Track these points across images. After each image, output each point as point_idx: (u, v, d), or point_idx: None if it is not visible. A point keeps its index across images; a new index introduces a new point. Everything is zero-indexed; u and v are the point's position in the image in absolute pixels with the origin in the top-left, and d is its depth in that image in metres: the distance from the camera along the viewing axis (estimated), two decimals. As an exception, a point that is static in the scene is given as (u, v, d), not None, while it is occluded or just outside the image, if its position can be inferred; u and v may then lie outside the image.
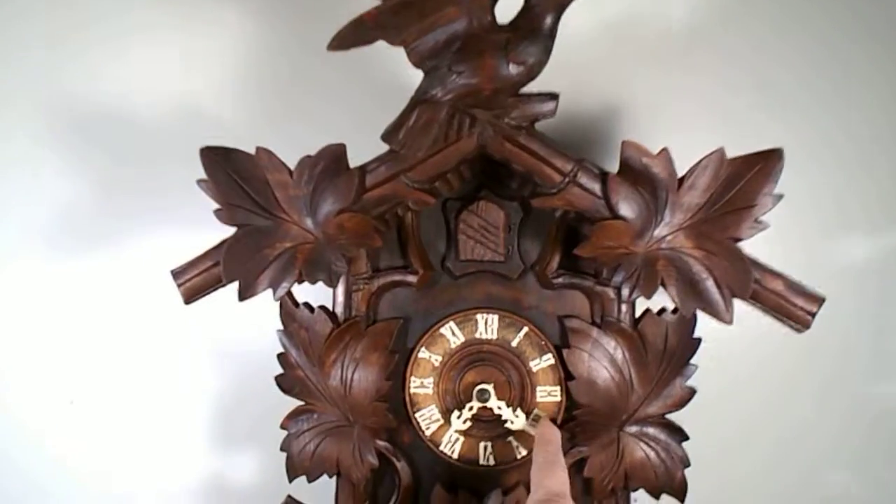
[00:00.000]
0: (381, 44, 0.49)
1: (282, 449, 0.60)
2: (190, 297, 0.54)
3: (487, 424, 0.60)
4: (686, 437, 0.58)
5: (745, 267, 0.49)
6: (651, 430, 0.58)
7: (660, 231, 0.50)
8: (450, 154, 0.50)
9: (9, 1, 0.74)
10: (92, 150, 0.74)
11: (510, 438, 0.60)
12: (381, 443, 0.60)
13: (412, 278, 0.60)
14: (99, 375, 0.76)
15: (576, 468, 0.60)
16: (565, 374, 0.59)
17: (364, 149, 0.52)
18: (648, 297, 0.51)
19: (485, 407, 0.59)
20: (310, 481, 0.60)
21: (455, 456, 0.61)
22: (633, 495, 0.61)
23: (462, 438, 0.61)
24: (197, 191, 0.51)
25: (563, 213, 0.54)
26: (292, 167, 0.51)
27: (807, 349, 0.72)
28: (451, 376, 0.61)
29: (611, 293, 0.58)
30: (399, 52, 0.49)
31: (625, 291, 0.51)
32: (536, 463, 0.52)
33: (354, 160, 0.52)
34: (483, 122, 0.49)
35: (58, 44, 0.74)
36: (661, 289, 0.51)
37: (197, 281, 0.53)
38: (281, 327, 0.59)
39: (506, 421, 0.58)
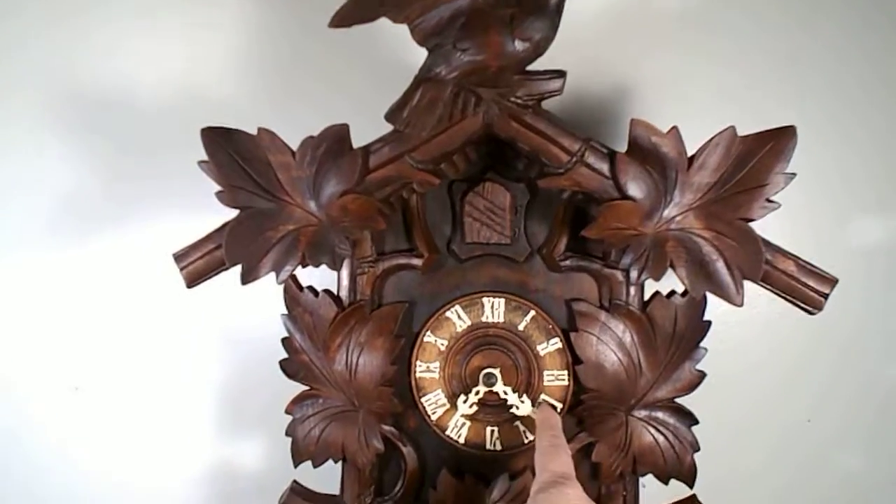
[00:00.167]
0: (383, 22, 0.47)
1: (287, 434, 0.59)
2: (192, 281, 0.53)
3: (494, 409, 0.59)
4: (696, 422, 0.57)
5: (757, 248, 0.48)
6: (660, 415, 0.57)
7: (669, 212, 0.49)
8: (455, 133, 0.50)
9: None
10: (94, 135, 0.73)
11: (517, 423, 0.60)
12: (386, 428, 0.59)
13: (417, 261, 0.59)
14: (104, 362, 0.76)
15: (583, 453, 0.59)
16: (573, 358, 0.58)
17: (367, 130, 0.51)
18: (657, 279, 0.50)
19: (491, 391, 0.58)
20: (315, 466, 0.59)
21: (461, 441, 0.60)
22: (642, 480, 0.60)
23: (468, 423, 0.60)
24: (200, 175, 0.51)
25: (570, 194, 0.53)
26: (295, 149, 0.50)
27: (818, 331, 0.71)
28: (458, 360, 0.60)
29: (619, 276, 0.57)
30: (403, 31, 0.48)
31: (633, 273, 0.50)
32: (540, 447, 0.51)
33: (358, 142, 0.51)
34: (488, 101, 0.49)
35: (60, 30, 0.73)
36: (670, 271, 0.50)
37: (199, 264, 0.53)
38: (285, 312, 0.58)
39: (511, 406, 0.58)
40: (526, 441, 0.60)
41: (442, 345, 0.60)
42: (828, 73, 0.70)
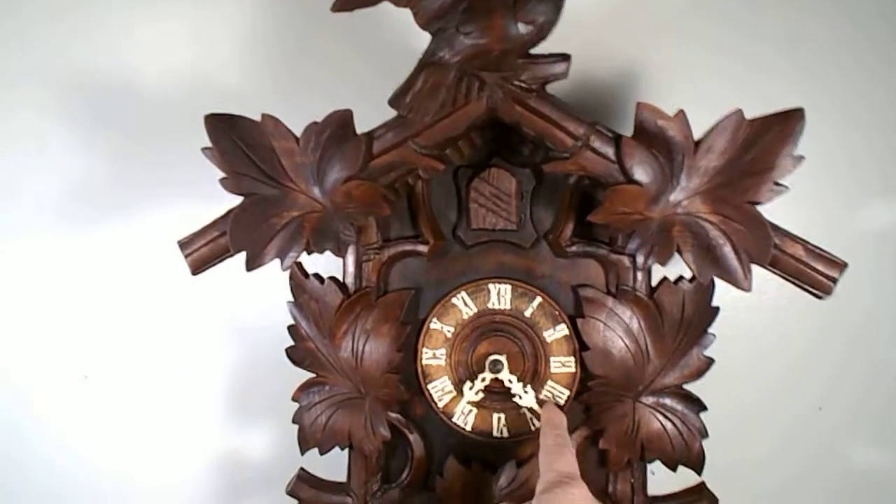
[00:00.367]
0: (387, 6, 0.47)
1: (294, 421, 0.59)
2: (197, 268, 0.53)
3: (500, 396, 0.59)
4: (704, 408, 0.57)
5: (765, 232, 0.47)
6: (668, 401, 0.57)
7: (676, 196, 0.48)
8: (458, 118, 0.49)
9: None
10: (100, 124, 0.74)
11: (524, 410, 0.59)
12: (393, 415, 0.59)
13: (423, 248, 0.59)
14: (113, 351, 0.76)
15: (591, 440, 0.59)
16: (580, 345, 0.58)
17: (372, 116, 0.51)
18: (664, 263, 0.49)
19: (497, 378, 0.58)
20: (322, 453, 0.59)
21: (468, 428, 0.60)
22: (651, 468, 0.60)
23: (475, 410, 0.60)
24: (206, 162, 0.51)
25: (576, 179, 0.52)
26: (299, 135, 0.50)
27: (828, 317, 0.71)
28: (464, 347, 0.60)
29: (626, 261, 0.57)
30: (407, 16, 0.48)
31: (640, 258, 0.50)
32: (545, 446, 0.51)
33: (363, 128, 0.51)
34: (492, 85, 0.48)
35: (65, 19, 0.73)
36: (678, 257, 0.49)
37: (204, 251, 0.53)
38: (291, 299, 0.58)
39: (515, 395, 0.58)
40: (533, 428, 0.60)
41: (448, 332, 0.60)
42: (837, 58, 0.69)
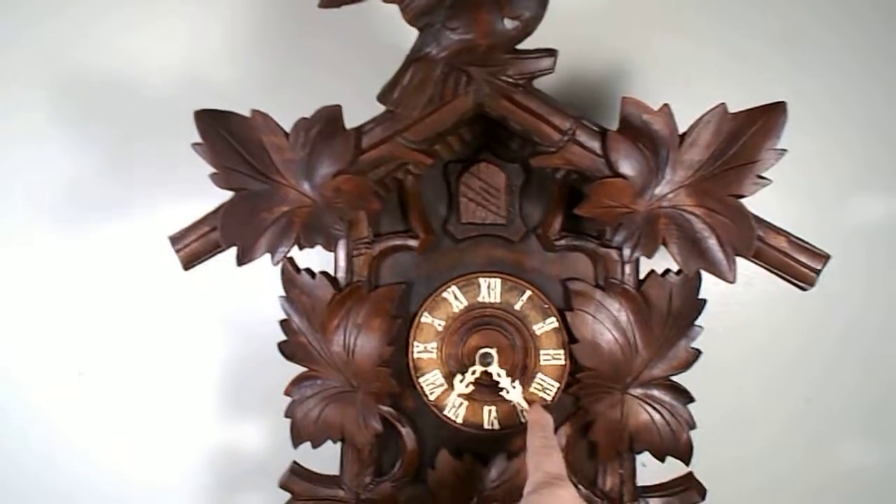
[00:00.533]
0: (375, 2, 0.48)
1: (286, 415, 0.60)
2: (189, 263, 0.54)
3: (491, 389, 0.59)
4: (691, 399, 0.58)
5: (749, 224, 0.48)
6: (656, 393, 0.58)
7: (661, 189, 0.49)
8: (446, 113, 0.50)
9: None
10: (95, 120, 0.74)
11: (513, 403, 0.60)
12: (384, 408, 0.60)
13: (414, 242, 0.59)
14: (108, 347, 0.76)
15: (581, 432, 0.60)
16: (569, 338, 0.59)
17: (363, 113, 0.52)
18: (649, 256, 0.50)
19: (487, 372, 0.58)
20: (314, 447, 0.60)
21: (459, 420, 0.61)
22: (642, 460, 0.60)
23: (466, 403, 0.61)
24: (200, 159, 0.51)
25: (564, 173, 0.53)
26: (289, 130, 0.51)
27: (819, 312, 0.71)
28: (455, 341, 0.60)
29: (614, 255, 0.57)
30: (396, 12, 0.48)
31: (626, 251, 0.50)
32: (532, 447, 0.52)
33: (354, 124, 0.51)
34: (479, 80, 0.49)
35: (60, 17, 0.74)
36: (665, 250, 0.50)
37: (195, 246, 0.53)
38: (283, 294, 0.59)
39: (502, 389, 0.58)
40: (523, 420, 0.60)
41: (439, 325, 0.61)
42: (828, 52, 0.69)
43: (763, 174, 0.48)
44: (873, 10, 0.69)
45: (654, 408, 0.58)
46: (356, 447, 0.60)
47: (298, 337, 0.59)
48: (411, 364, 0.61)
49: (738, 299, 0.72)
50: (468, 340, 0.60)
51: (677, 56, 0.69)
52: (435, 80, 0.49)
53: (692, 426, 0.58)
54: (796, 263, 0.49)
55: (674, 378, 0.58)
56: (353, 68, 0.69)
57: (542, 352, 0.60)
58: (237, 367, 0.76)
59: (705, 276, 0.53)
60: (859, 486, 0.74)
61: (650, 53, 0.70)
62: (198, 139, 0.51)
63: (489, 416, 0.61)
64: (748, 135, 0.47)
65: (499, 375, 0.58)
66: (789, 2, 0.69)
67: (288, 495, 0.62)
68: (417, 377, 0.61)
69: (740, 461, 0.74)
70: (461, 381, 0.59)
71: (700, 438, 0.58)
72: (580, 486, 0.60)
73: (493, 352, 0.59)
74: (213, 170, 0.51)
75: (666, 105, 0.48)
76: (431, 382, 0.61)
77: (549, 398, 0.60)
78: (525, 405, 0.58)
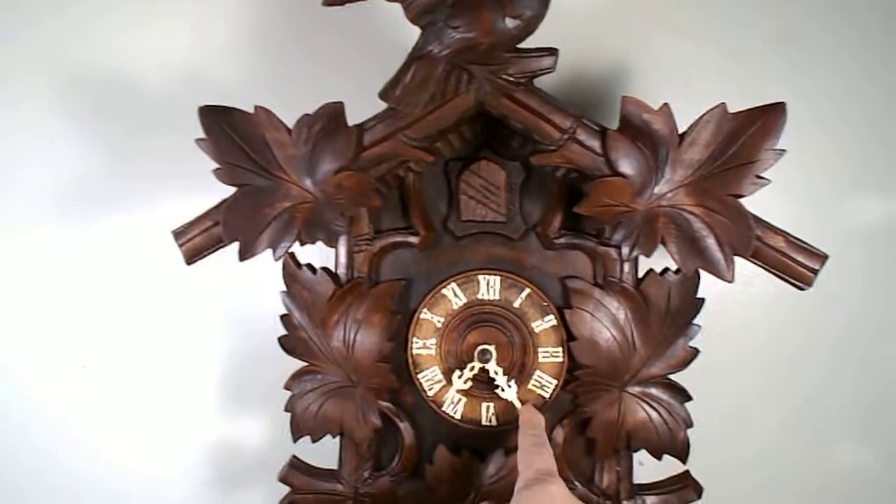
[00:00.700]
0: (378, 1, 0.48)
1: (286, 409, 0.60)
2: (191, 258, 0.54)
3: (489, 385, 0.60)
4: (689, 398, 0.58)
5: (747, 223, 0.48)
6: (653, 391, 0.58)
7: (660, 188, 0.49)
8: (447, 111, 0.50)
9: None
10: (98, 116, 0.74)
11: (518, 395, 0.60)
12: (383, 403, 0.60)
13: (414, 239, 0.60)
14: (111, 341, 0.76)
15: (578, 429, 0.60)
16: (567, 335, 0.59)
17: (366, 110, 0.52)
18: (648, 255, 0.50)
19: (485, 368, 0.59)
20: (314, 441, 0.60)
21: (457, 416, 0.61)
22: (639, 458, 0.61)
23: (464, 399, 0.61)
24: (203, 154, 0.52)
25: (564, 172, 0.53)
26: (291, 127, 0.51)
27: (818, 313, 0.72)
28: (454, 337, 0.61)
29: (613, 253, 0.58)
30: (399, 10, 0.49)
31: (625, 249, 0.51)
32: (523, 446, 0.52)
33: (353, 121, 0.51)
34: (480, 78, 0.49)
35: (64, 13, 0.74)
36: (664, 248, 0.50)
37: (198, 241, 0.54)
38: (284, 289, 0.59)
39: (498, 387, 0.58)
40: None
41: (438, 322, 0.61)
42: (827, 53, 0.70)
43: (762, 174, 0.48)
44: (870, 12, 0.69)
45: (652, 406, 0.58)
46: (355, 442, 0.60)
47: (299, 332, 0.59)
48: (410, 360, 0.61)
49: (737, 299, 0.72)
50: (467, 337, 0.61)
51: (677, 56, 0.70)
52: (437, 78, 0.49)
53: (689, 425, 0.58)
54: (794, 263, 0.49)
55: (671, 377, 0.58)
56: (356, 66, 0.69)
57: (540, 349, 0.60)
58: (238, 361, 0.76)
59: (704, 275, 0.53)
60: (857, 485, 0.74)
61: (651, 53, 0.70)
62: (201, 135, 0.51)
63: (487, 413, 0.61)
64: (747, 135, 0.48)
65: (495, 373, 0.58)
66: (786, 3, 0.69)
67: (287, 489, 0.62)
68: (416, 373, 0.61)
69: (738, 460, 0.74)
70: (459, 378, 0.59)
71: (698, 437, 0.58)
72: (577, 483, 0.60)
73: (492, 348, 0.59)
74: (216, 165, 0.52)
75: (666, 104, 0.48)
76: (430, 378, 0.61)
77: (547, 395, 0.60)
78: (518, 404, 0.58)
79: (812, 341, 0.73)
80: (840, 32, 0.70)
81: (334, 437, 0.61)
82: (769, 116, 0.48)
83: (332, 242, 0.53)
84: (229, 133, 0.51)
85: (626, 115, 0.48)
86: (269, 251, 0.52)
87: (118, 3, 0.74)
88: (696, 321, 0.57)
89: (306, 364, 0.60)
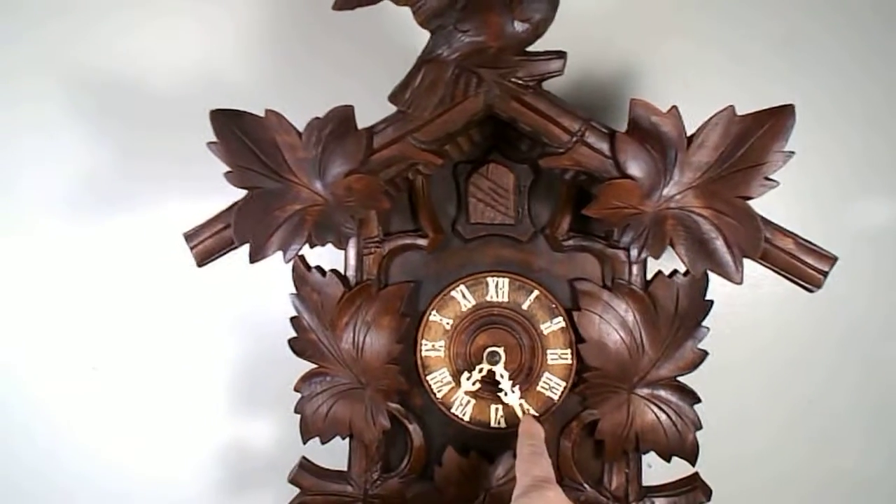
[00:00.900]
0: (388, 4, 0.49)
1: (296, 411, 0.60)
2: (202, 260, 0.55)
3: (497, 387, 0.60)
4: (698, 400, 0.58)
5: (756, 225, 0.48)
6: (662, 393, 0.58)
7: (669, 190, 0.49)
8: (456, 114, 0.50)
9: (26, -29, 0.74)
10: (109, 116, 0.75)
11: (522, 401, 0.60)
12: (392, 405, 0.60)
13: (423, 242, 0.60)
14: (121, 342, 0.77)
15: (587, 431, 0.60)
16: (576, 337, 0.59)
17: (372, 113, 0.52)
18: (657, 257, 0.50)
19: (491, 371, 0.59)
20: (323, 443, 0.61)
21: (466, 418, 0.61)
22: (648, 461, 0.61)
23: (473, 401, 0.61)
24: (213, 157, 0.52)
25: (573, 174, 0.54)
26: (301, 130, 0.51)
27: (823, 314, 0.71)
28: (462, 339, 0.61)
29: (622, 255, 0.58)
30: (406, 15, 0.49)
31: (633, 252, 0.51)
32: (521, 455, 0.53)
33: (363, 124, 0.52)
34: (489, 82, 0.49)
35: (75, 12, 0.74)
36: (673, 251, 0.50)
37: (209, 243, 0.54)
38: (294, 291, 0.60)
39: (501, 390, 0.59)
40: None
41: (447, 324, 0.61)
42: (834, 55, 0.70)
43: (770, 176, 0.48)
44: (875, 15, 0.69)
45: (661, 408, 0.58)
46: (364, 443, 0.61)
47: (308, 334, 0.59)
48: (419, 362, 0.62)
49: (745, 301, 0.72)
50: (476, 339, 0.61)
51: (686, 58, 0.70)
52: (446, 81, 0.49)
53: (698, 427, 0.58)
54: (803, 265, 0.49)
55: (680, 378, 0.58)
56: (365, 69, 0.70)
57: (549, 351, 0.60)
58: (248, 363, 0.76)
59: (712, 277, 0.53)
60: (861, 485, 0.74)
61: (659, 56, 0.70)
62: (210, 136, 0.52)
63: (496, 415, 0.61)
64: (756, 137, 0.48)
65: (501, 376, 0.58)
66: (793, 6, 0.70)
67: (297, 490, 0.63)
68: (425, 375, 0.61)
69: (743, 460, 0.74)
70: (468, 380, 0.59)
71: (704, 437, 0.58)
72: (586, 485, 0.60)
73: (501, 350, 0.59)
74: (226, 168, 0.52)
75: (674, 107, 0.48)
76: (439, 380, 0.61)
77: (555, 397, 0.61)
78: (520, 411, 0.59)
79: (818, 342, 0.73)
80: (844, 33, 0.70)
81: (343, 438, 0.61)
82: (778, 118, 0.48)
83: (341, 245, 0.53)
84: (240, 136, 0.51)
85: (634, 117, 0.49)
86: (280, 253, 0.53)
87: (129, 3, 0.74)
88: (704, 323, 0.57)
89: (316, 366, 0.60)
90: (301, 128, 0.51)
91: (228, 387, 0.77)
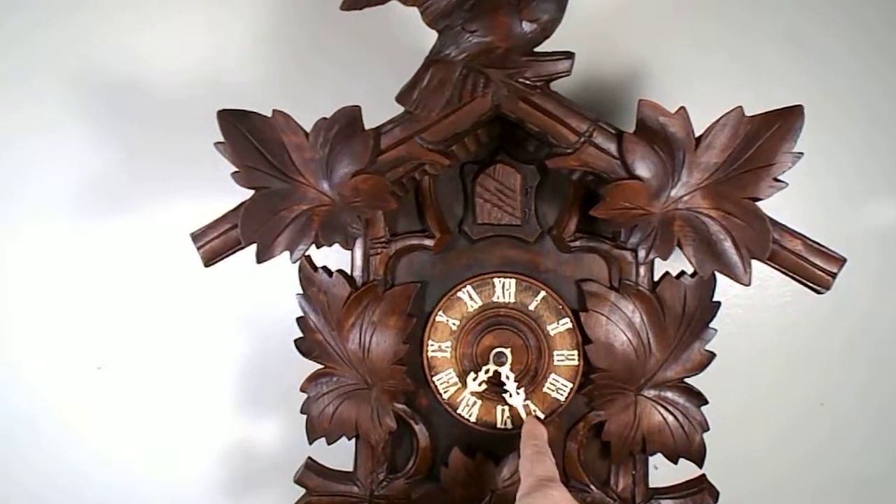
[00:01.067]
0: (396, 5, 0.48)
1: (302, 411, 0.60)
2: (209, 260, 0.55)
3: (503, 388, 0.60)
4: (705, 402, 0.58)
5: (765, 226, 0.48)
6: (669, 394, 0.58)
7: (677, 191, 0.49)
8: (464, 114, 0.50)
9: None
10: (117, 117, 0.75)
11: (527, 402, 0.60)
12: (399, 406, 0.60)
13: (430, 242, 0.60)
14: (127, 341, 0.77)
15: (593, 432, 0.60)
16: (583, 338, 0.59)
17: (379, 114, 0.52)
18: (665, 258, 0.50)
19: (499, 372, 0.59)
20: (329, 443, 0.61)
21: (472, 419, 0.61)
22: (654, 462, 0.61)
23: (479, 402, 0.61)
24: (220, 157, 0.52)
25: (580, 175, 0.53)
26: (309, 130, 0.51)
27: (829, 314, 0.71)
28: (469, 340, 0.61)
29: (629, 256, 0.58)
30: (414, 15, 0.49)
31: (641, 253, 0.50)
32: (525, 455, 0.53)
33: (370, 125, 0.52)
34: (497, 82, 0.49)
35: (82, 12, 0.74)
36: (680, 252, 0.50)
37: (216, 243, 0.54)
38: (300, 291, 0.59)
39: (506, 391, 0.58)
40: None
41: (454, 324, 0.61)
42: (840, 56, 0.70)
43: (779, 177, 0.48)
44: (880, 16, 0.69)
45: (668, 410, 0.58)
46: (370, 444, 0.61)
47: (315, 334, 0.59)
48: (426, 362, 0.61)
49: (752, 302, 0.72)
50: (482, 340, 0.61)
51: (693, 59, 0.70)
52: (454, 81, 0.49)
53: (705, 428, 0.58)
54: (812, 266, 0.49)
55: (687, 380, 0.58)
56: (373, 69, 0.70)
57: (555, 352, 0.60)
58: (254, 363, 0.76)
59: (719, 278, 0.53)
60: (866, 485, 0.74)
61: (667, 56, 0.70)
62: (217, 137, 0.52)
63: (502, 416, 0.61)
64: (764, 138, 0.48)
65: (507, 378, 0.58)
66: (798, 8, 0.69)
67: (303, 490, 0.63)
68: (431, 375, 0.61)
69: (748, 460, 0.74)
70: (474, 380, 0.59)
71: (709, 438, 0.58)
72: (592, 487, 0.60)
73: (507, 351, 0.59)
74: (233, 168, 0.52)
75: (682, 108, 0.48)
76: (445, 381, 0.61)
77: (562, 398, 0.60)
78: (523, 412, 0.58)
79: (823, 343, 0.73)
80: (849, 34, 0.69)
81: (350, 439, 0.61)
82: (786, 119, 0.47)
83: (348, 245, 0.53)
84: (247, 136, 0.51)
85: (642, 118, 0.48)
86: (286, 254, 0.53)
87: (135, 3, 0.74)
88: (711, 324, 0.57)
89: (322, 366, 0.60)
90: (308, 128, 0.51)
91: (234, 387, 0.77)
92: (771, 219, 0.49)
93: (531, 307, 0.60)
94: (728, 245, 0.49)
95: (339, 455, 0.63)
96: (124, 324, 0.77)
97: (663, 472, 0.61)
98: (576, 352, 0.60)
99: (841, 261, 0.49)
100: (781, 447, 0.74)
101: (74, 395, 0.77)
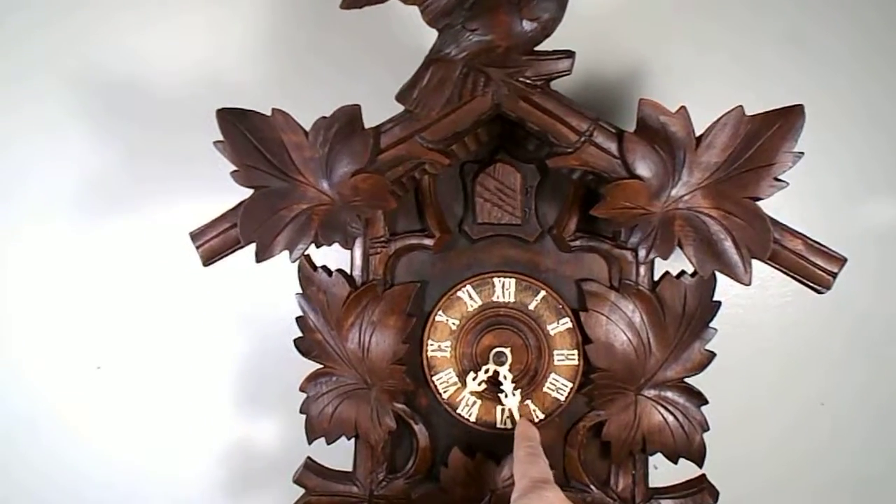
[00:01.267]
0: (395, 3, 0.48)
1: (301, 411, 0.60)
2: (208, 259, 0.54)
3: (500, 388, 0.60)
4: (705, 401, 0.58)
5: (765, 226, 0.48)
6: (669, 394, 0.58)
7: (677, 191, 0.49)
8: (464, 113, 0.50)
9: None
10: (116, 116, 0.75)
11: (528, 402, 0.60)
12: (398, 405, 0.60)
13: (429, 241, 0.60)
14: (126, 341, 0.77)
15: (593, 432, 0.60)
16: (583, 338, 0.59)
17: (379, 113, 0.52)
18: (665, 257, 0.50)
19: (499, 371, 0.59)
20: (328, 443, 0.60)
21: (472, 419, 0.61)
22: (654, 462, 0.61)
23: (479, 402, 0.61)
24: (219, 156, 0.52)
25: (580, 174, 0.53)
26: (308, 129, 0.51)
27: (830, 314, 0.71)
28: (469, 340, 0.61)
29: (629, 256, 0.58)
30: (414, 13, 0.49)
31: (641, 252, 0.50)
32: (518, 457, 0.53)
33: (370, 124, 0.52)
34: (497, 81, 0.49)
35: (82, 12, 0.74)
36: (680, 251, 0.50)
37: (215, 243, 0.54)
38: (300, 291, 0.59)
39: (503, 391, 0.58)
40: (536, 420, 0.61)
41: (453, 324, 0.61)
42: (840, 56, 0.70)
43: (780, 177, 0.48)
44: (880, 16, 0.69)
45: (668, 409, 0.58)
46: (370, 444, 0.61)
47: (314, 334, 0.59)
48: (425, 362, 0.61)
49: (752, 302, 0.72)
50: (482, 340, 0.61)
51: (693, 58, 0.70)
52: (454, 80, 0.49)
53: (706, 428, 0.58)
54: (812, 266, 0.49)
55: (687, 380, 0.58)
56: (372, 68, 0.70)
57: (555, 352, 0.60)
58: (253, 362, 0.76)
59: (719, 278, 0.53)
60: (866, 486, 0.74)
61: (667, 56, 0.70)
62: (216, 136, 0.51)
63: (502, 416, 0.61)
64: (765, 137, 0.48)
65: (504, 378, 0.58)
66: (798, 8, 0.69)
67: (302, 490, 0.62)
68: (431, 375, 0.61)
69: (748, 460, 0.74)
70: (474, 380, 0.59)
71: (709, 438, 0.58)
72: (592, 487, 0.60)
73: (507, 351, 0.59)
74: (232, 167, 0.52)
75: (683, 107, 0.48)
76: (445, 381, 0.61)
77: (562, 398, 0.60)
78: (517, 414, 0.58)
79: (823, 343, 0.73)
80: (849, 34, 0.69)
81: (349, 439, 0.61)
82: (787, 118, 0.47)
83: (348, 244, 0.53)
84: (246, 135, 0.51)
85: (643, 117, 0.48)
86: (286, 253, 0.52)
87: (135, 4, 0.74)
88: (711, 324, 0.57)
89: (321, 366, 0.60)
90: (308, 127, 0.51)
91: (233, 386, 0.77)
92: (771, 218, 0.49)
93: (531, 307, 0.60)
94: (728, 245, 0.49)
95: (339, 455, 0.63)
96: (124, 323, 0.77)
97: (663, 472, 0.61)
98: (576, 351, 0.60)
99: (841, 260, 0.49)
100: (781, 447, 0.74)
101: (74, 395, 0.77)
